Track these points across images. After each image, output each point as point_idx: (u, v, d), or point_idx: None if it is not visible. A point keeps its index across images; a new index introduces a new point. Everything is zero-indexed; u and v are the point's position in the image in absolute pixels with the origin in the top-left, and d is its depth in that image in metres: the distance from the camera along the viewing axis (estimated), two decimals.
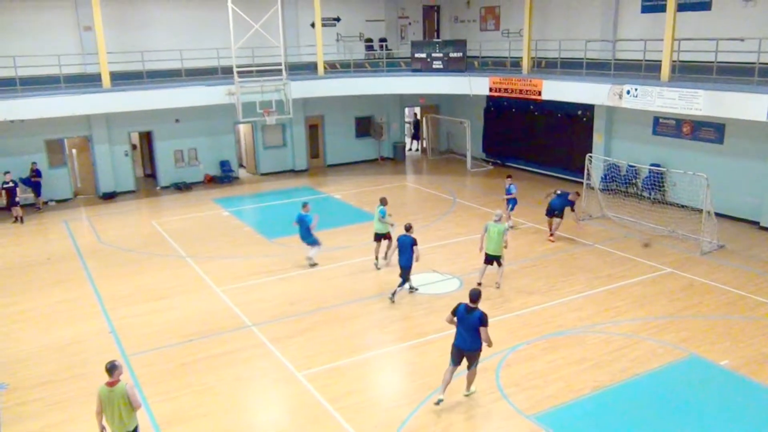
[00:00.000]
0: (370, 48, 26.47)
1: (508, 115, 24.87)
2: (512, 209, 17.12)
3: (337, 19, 25.55)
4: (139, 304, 12.99)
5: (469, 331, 8.92)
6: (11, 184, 18.93)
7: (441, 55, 22.71)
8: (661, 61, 16.98)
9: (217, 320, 12.13)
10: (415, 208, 19.42)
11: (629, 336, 11.14)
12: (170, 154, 22.97)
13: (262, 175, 24.75)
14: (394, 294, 12.78)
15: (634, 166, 19.53)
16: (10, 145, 20.15)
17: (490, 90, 21.71)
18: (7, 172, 19.01)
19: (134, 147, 23.70)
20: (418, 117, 29.35)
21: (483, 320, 8.84)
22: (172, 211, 20.11)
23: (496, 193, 19.83)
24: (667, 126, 19.13)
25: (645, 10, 19.78)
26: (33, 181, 20.19)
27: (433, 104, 27.92)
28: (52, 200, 21.12)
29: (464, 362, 9.17)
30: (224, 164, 23.87)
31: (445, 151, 28.43)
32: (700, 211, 15.58)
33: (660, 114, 18.71)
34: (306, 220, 14.38)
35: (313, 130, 25.82)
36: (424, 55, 22.93)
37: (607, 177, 20.25)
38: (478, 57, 24.55)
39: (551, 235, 16.29)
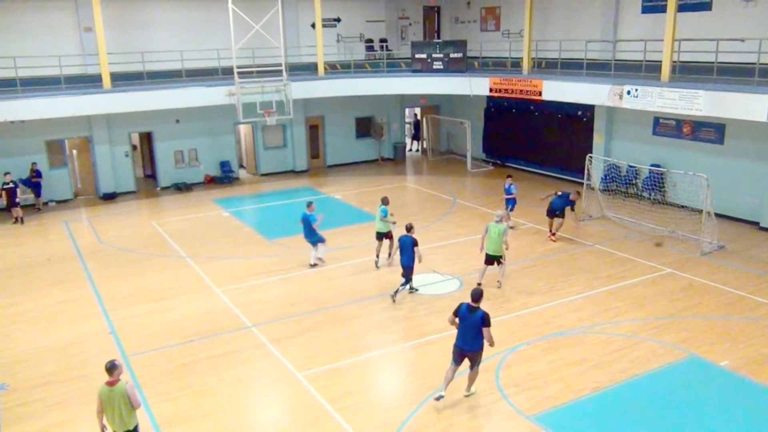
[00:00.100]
0: (370, 48, 26.48)
1: (509, 116, 24.88)
2: (511, 209, 17.14)
3: (338, 20, 25.57)
4: (139, 304, 12.99)
5: (471, 331, 8.94)
6: (11, 185, 18.94)
7: (441, 55, 22.72)
8: (661, 61, 16.98)
9: (218, 321, 12.14)
10: (416, 209, 19.42)
11: (629, 336, 11.14)
12: (170, 155, 22.98)
13: (263, 175, 24.76)
14: (396, 293, 12.81)
15: (634, 167, 19.53)
16: (10, 146, 20.17)
17: (491, 90, 21.72)
18: (7, 173, 19.03)
19: (134, 148, 23.71)
20: (419, 117, 29.35)
21: (485, 320, 8.87)
22: (173, 212, 20.12)
23: (496, 193, 19.82)
24: (667, 126, 19.13)
25: (645, 10, 19.79)
26: (33, 182, 20.20)
27: (433, 105, 27.93)
28: (52, 201, 21.13)
29: (466, 362, 9.19)
30: (224, 165, 23.88)
31: (445, 152, 28.43)
32: (701, 211, 15.58)
33: (660, 114, 18.72)
34: (310, 220, 14.42)
35: (314, 131, 25.83)
36: (424, 56, 22.94)
37: (608, 177, 20.25)
38: (478, 57, 24.57)
39: (553, 234, 16.30)
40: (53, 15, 20.86)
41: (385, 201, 14.67)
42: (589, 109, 21.18)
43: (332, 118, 25.85)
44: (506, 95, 21.56)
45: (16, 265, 15.52)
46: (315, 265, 14.72)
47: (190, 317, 12.33)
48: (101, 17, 19.38)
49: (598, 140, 21.15)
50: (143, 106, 20.29)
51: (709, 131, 17.97)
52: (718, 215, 15.95)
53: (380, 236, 14.61)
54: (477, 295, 8.99)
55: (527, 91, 20.50)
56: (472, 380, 9.34)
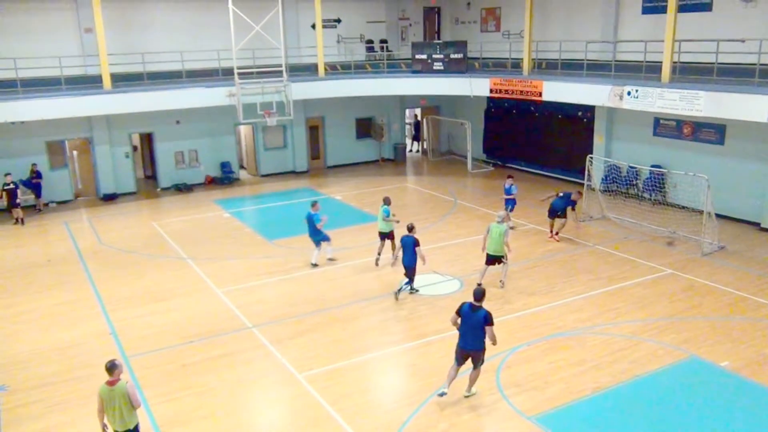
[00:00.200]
0: (370, 49, 26.48)
1: (509, 117, 24.88)
2: (511, 210, 17.14)
3: (338, 21, 25.57)
4: (139, 305, 12.99)
5: (474, 330, 8.98)
6: (12, 186, 18.94)
7: (442, 56, 22.71)
8: (661, 62, 16.97)
9: (218, 322, 12.14)
10: (416, 210, 19.41)
11: (630, 337, 11.13)
12: (171, 156, 22.99)
13: (263, 176, 24.76)
14: (399, 291, 12.86)
15: (634, 168, 19.53)
16: (11, 147, 20.18)
17: (491, 91, 21.72)
18: (7, 174, 19.04)
19: (135, 148, 23.72)
20: (419, 118, 29.35)
21: (488, 319, 8.90)
22: (173, 213, 20.12)
23: (496, 194, 19.80)
24: (667, 127, 19.12)
25: (645, 11, 19.78)
26: (33, 183, 20.21)
27: (433, 105, 27.92)
28: (52, 202, 21.14)
29: (468, 362, 9.22)
30: (225, 165, 23.88)
31: (445, 153, 28.44)
32: (701, 212, 15.57)
33: (660, 115, 18.71)
34: (314, 219, 14.44)
35: (314, 132, 25.83)
36: (424, 57, 22.94)
37: (608, 178, 20.24)
38: (478, 58, 24.58)
39: (556, 233, 16.31)
40: (54, 16, 20.87)
41: (386, 201, 14.71)
42: (590, 109, 21.18)
43: (332, 118, 25.85)
44: (506, 96, 21.55)
45: (17, 266, 15.52)
46: (316, 265, 14.73)
47: (190, 318, 12.33)
48: (101, 18, 19.38)
49: (598, 141, 21.15)
50: (143, 106, 20.29)
51: (709, 132, 17.97)
52: (718, 216, 15.94)
53: (383, 236, 14.64)
54: (479, 295, 9.04)
55: (527, 92, 20.50)
56: (473, 380, 9.34)
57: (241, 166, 25.80)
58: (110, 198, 21.78)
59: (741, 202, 17.37)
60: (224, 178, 23.70)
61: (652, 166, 18.71)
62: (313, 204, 14.82)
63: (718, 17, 17.64)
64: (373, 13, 26.60)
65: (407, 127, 29.66)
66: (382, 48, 26.51)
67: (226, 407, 9.34)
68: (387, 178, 24.14)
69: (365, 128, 26.74)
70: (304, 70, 23.60)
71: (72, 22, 21.11)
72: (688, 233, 16.15)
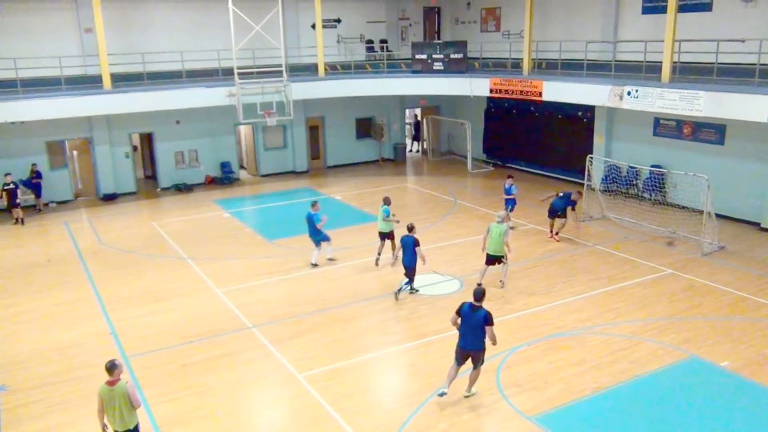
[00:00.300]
0: (370, 49, 26.48)
1: (509, 117, 24.88)
2: (511, 210, 17.15)
3: (338, 21, 25.57)
4: (139, 305, 12.99)
5: (474, 330, 8.99)
6: (12, 186, 18.94)
7: (441, 56, 22.71)
8: (661, 62, 16.97)
9: (218, 322, 12.14)
10: (416, 210, 19.41)
11: (630, 337, 11.13)
12: (171, 156, 22.99)
13: (263, 176, 24.76)
14: (399, 291, 12.88)
15: (634, 168, 19.53)
16: (11, 147, 20.18)
17: (491, 91, 21.72)
18: (7, 174, 19.04)
19: (135, 148, 23.72)
20: (419, 118, 29.35)
21: (488, 319, 8.92)
22: (173, 213, 20.12)
23: (496, 194, 19.80)
24: (667, 127, 19.12)
25: (645, 11, 19.77)
26: (33, 183, 20.21)
27: (433, 105, 27.92)
28: (52, 202, 21.14)
29: (468, 362, 9.23)
30: (225, 165, 23.88)
31: (445, 153, 28.44)
32: (701, 212, 15.57)
33: (661, 115, 18.71)
34: (314, 219, 14.46)
35: (314, 132, 25.83)
36: (424, 57, 22.94)
37: (608, 178, 20.24)
38: (478, 58, 24.57)
39: (556, 233, 16.31)
40: (54, 16, 20.87)
41: (386, 201, 14.72)
42: (590, 109, 21.18)
43: (332, 118, 25.85)
44: (506, 96, 21.55)
45: (17, 266, 15.51)
46: (316, 264, 14.73)
47: (190, 318, 12.33)
48: (101, 18, 19.38)
49: (598, 141, 21.15)
50: (143, 106, 20.29)
51: (709, 132, 17.97)
52: (718, 216, 15.94)
53: (383, 236, 14.66)
54: (480, 294, 9.06)
55: (527, 92, 20.50)
56: (473, 381, 9.35)
57: (241, 166, 25.80)
58: (110, 198, 21.78)
59: (741, 202, 17.37)
60: (224, 178, 23.70)
61: (652, 166, 18.71)
62: (313, 204, 14.83)
63: (718, 17, 17.64)
64: (373, 13, 26.60)
65: (407, 127, 29.66)
66: (382, 48, 26.51)
67: (226, 407, 9.35)
68: (387, 178, 24.14)
69: (365, 128, 26.74)
70: (304, 70, 23.60)
71: (72, 22, 21.11)
72: (688, 233, 16.15)
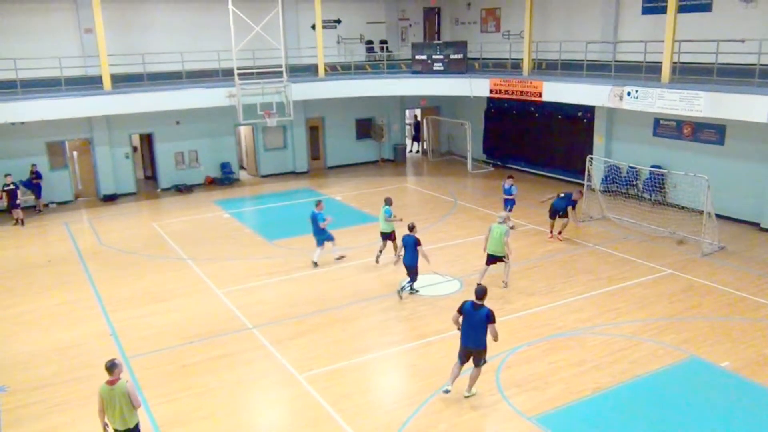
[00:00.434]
0: (370, 50, 26.49)
1: (509, 117, 24.88)
2: (510, 210, 17.15)
3: (338, 21, 25.58)
4: (139, 306, 12.99)
5: (476, 328, 9.03)
6: (12, 187, 18.94)
7: (441, 56, 22.72)
8: (661, 62, 16.97)
9: (218, 322, 12.14)
10: (416, 210, 19.40)
11: (630, 337, 11.13)
12: (171, 156, 22.99)
13: (263, 177, 24.77)
14: (402, 289, 12.91)
15: (634, 168, 19.53)
16: (11, 148, 20.18)
17: (491, 92, 21.72)
18: (7, 175, 19.04)
19: (135, 149, 23.72)
20: (419, 119, 29.36)
21: (490, 317, 8.98)
22: (173, 213, 20.12)
23: (496, 194, 19.79)
24: (667, 127, 19.13)
25: (645, 11, 19.78)
26: (33, 183, 20.21)
27: (433, 106, 27.93)
28: (52, 202, 21.14)
29: (470, 361, 9.28)
30: (225, 166, 23.89)
31: (445, 153, 28.44)
32: (701, 212, 15.57)
33: (660, 115, 18.71)
34: (317, 218, 14.50)
35: (314, 132, 25.84)
36: (424, 57, 22.94)
37: (608, 178, 20.24)
38: (478, 59, 24.58)
39: (558, 233, 16.32)
40: (54, 16, 20.88)
41: (388, 201, 14.74)
42: (590, 110, 21.18)
43: (332, 119, 25.86)
44: (506, 96, 21.56)
45: (17, 267, 15.51)
46: (317, 264, 14.76)
47: (190, 319, 12.33)
48: (101, 19, 19.39)
49: (598, 141, 21.15)
50: (144, 107, 20.30)
51: (709, 132, 17.97)
52: (718, 216, 15.94)
53: (384, 237, 14.68)
54: (481, 293, 9.12)
55: (527, 92, 20.50)
56: (473, 380, 9.36)
57: (241, 167, 25.80)
58: (110, 199, 21.78)
59: (741, 203, 17.37)
60: (224, 179, 23.71)
61: (652, 167, 18.71)
62: (317, 203, 14.90)
63: (718, 17, 17.65)
64: (373, 14, 26.60)
65: (407, 127, 29.67)
66: (382, 48, 26.51)
67: (226, 408, 9.35)
68: (387, 179, 24.15)
69: (365, 129, 26.75)
70: (304, 71, 23.60)
71: (72, 22, 21.12)
72: (688, 233, 16.14)
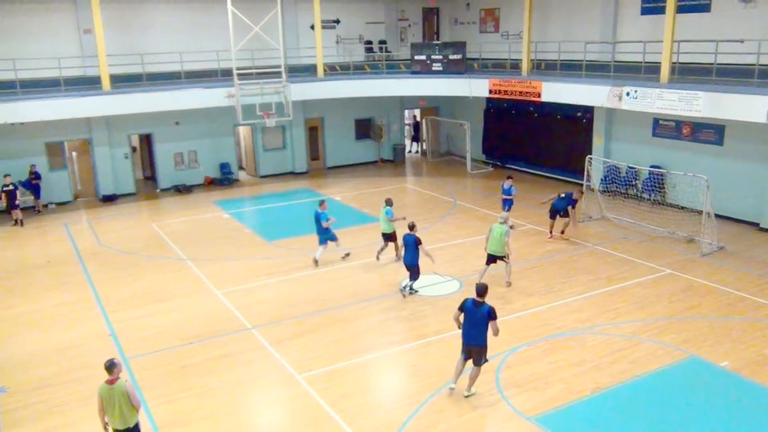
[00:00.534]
0: (369, 50, 26.49)
1: (508, 117, 24.89)
2: (508, 210, 17.17)
3: (337, 22, 25.58)
4: (139, 306, 12.98)
5: (477, 326, 9.09)
6: (11, 187, 18.92)
7: (440, 57, 22.72)
8: (660, 62, 16.99)
9: (217, 323, 12.13)
10: (416, 210, 19.38)
11: (629, 337, 11.14)
12: (170, 157, 22.98)
13: (262, 177, 24.76)
14: (404, 288, 12.95)
15: (633, 168, 19.54)
16: (10, 148, 20.16)
17: (490, 92, 21.73)
18: (6, 175, 19.02)
19: (134, 149, 23.70)
20: (418, 119, 29.36)
21: (492, 314, 9.04)
22: (172, 214, 20.11)
23: (496, 195, 19.77)
24: (666, 128, 19.14)
25: (644, 11, 19.79)
26: (33, 184, 20.18)
27: (432, 106, 27.94)
28: (52, 203, 21.12)
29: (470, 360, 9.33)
30: (224, 166, 23.88)
31: (444, 153, 28.44)
32: (700, 212, 15.58)
33: (660, 116, 18.72)
34: (321, 218, 14.56)
35: (313, 132, 25.83)
36: (423, 57, 22.95)
37: (607, 179, 20.26)
38: (477, 59, 24.58)
39: (561, 232, 16.33)
40: (53, 17, 20.86)
41: (389, 202, 14.75)
42: (589, 110, 21.19)
43: (332, 119, 25.86)
44: (505, 96, 21.57)
45: (16, 268, 15.50)
46: (317, 261, 14.79)
47: (189, 319, 12.32)
48: (101, 19, 19.38)
49: (597, 142, 21.16)
50: (143, 107, 20.29)
51: (708, 132, 17.98)
52: (717, 216, 15.95)
53: (386, 237, 14.69)
54: (482, 290, 9.18)
55: (526, 93, 20.51)
56: (473, 380, 9.38)
57: (241, 167, 25.79)
58: (110, 199, 21.77)
59: (740, 203, 17.38)
60: (223, 179, 23.70)
61: (651, 167, 18.73)
62: (321, 203, 14.97)
63: (717, 18, 17.66)
64: (372, 14, 26.60)
65: (406, 127, 29.67)
66: (381, 49, 26.52)
67: (225, 408, 9.34)
68: (386, 179, 24.15)
69: (364, 129, 26.75)
70: (303, 71, 23.60)
71: (71, 23, 21.10)
72: (687, 233, 16.15)
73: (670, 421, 8.83)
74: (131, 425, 7.55)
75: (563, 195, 16.42)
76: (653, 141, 19.58)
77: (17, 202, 19.04)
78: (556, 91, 19.66)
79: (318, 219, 14.70)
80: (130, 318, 12.44)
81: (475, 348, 9.20)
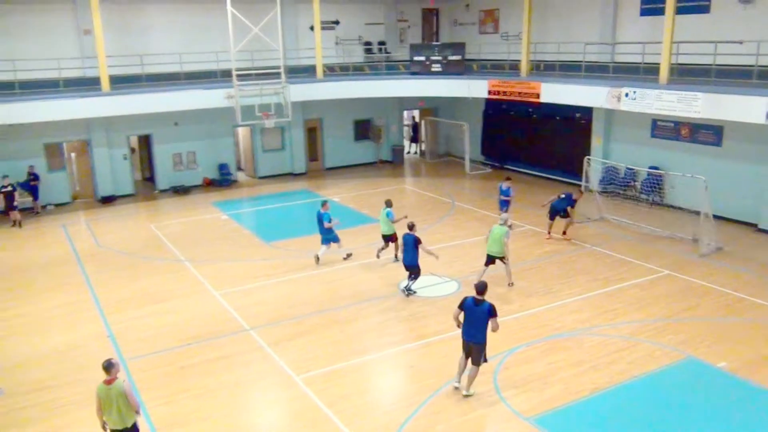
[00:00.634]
0: (369, 51, 26.50)
1: (507, 118, 24.90)
2: (505, 211, 17.17)
3: (336, 23, 25.58)
4: (137, 308, 12.97)
5: (477, 323, 9.14)
6: (9, 189, 18.92)
7: (440, 58, 22.74)
8: (659, 63, 17.01)
9: (216, 324, 12.12)
10: (414, 211, 19.31)
11: (627, 338, 11.14)
12: (169, 158, 22.98)
13: (261, 178, 24.76)
14: (405, 288, 12.98)
15: (632, 169, 19.55)
16: (8, 149, 20.15)
17: (489, 93, 21.75)
18: (5, 176, 19.02)
19: (133, 150, 23.70)
20: (417, 120, 29.36)
21: (492, 311, 9.09)
22: (171, 215, 20.10)
23: (494, 195, 19.77)
24: (665, 129, 19.15)
25: (644, 13, 19.80)
26: (31, 185, 20.17)
27: (431, 107, 27.95)
28: (50, 204, 21.10)
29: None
30: (223, 167, 23.87)
31: (443, 154, 28.44)
32: (699, 213, 15.58)
33: (658, 117, 18.73)
34: (323, 218, 14.62)
35: (312, 133, 25.84)
36: (423, 58, 22.97)
37: (606, 179, 20.27)
38: (477, 60, 24.59)
39: (563, 232, 16.34)
40: (52, 18, 20.84)
41: (388, 203, 14.76)
42: (588, 111, 21.20)
43: (331, 120, 25.86)
44: (504, 98, 21.59)
45: (14, 269, 15.48)
46: (318, 259, 14.87)
47: (188, 320, 12.31)
48: (100, 20, 19.39)
49: (596, 142, 21.17)
50: (142, 108, 20.29)
51: (707, 133, 17.99)
52: (715, 217, 15.95)
53: (386, 239, 14.70)
54: (482, 288, 9.23)
55: (525, 94, 20.52)
56: (471, 380, 9.40)
57: (239, 168, 25.78)
58: (108, 200, 21.76)
59: (738, 203, 17.39)
60: (222, 180, 23.69)
61: (650, 168, 18.74)
62: (323, 203, 15.02)
63: (716, 19, 17.66)
64: (371, 15, 26.61)
65: (405, 128, 29.68)
66: (380, 50, 26.52)
67: (224, 409, 9.34)
68: (385, 180, 24.15)
69: (363, 130, 26.75)
70: (302, 72, 23.61)
71: (70, 24, 21.09)
72: (685, 234, 16.15)
73: (667, 421, 8.83)
74: (129, 425, 7.55)
75: (563, 196, 16.43)
76: (652, 142, 19.59)
77: (15, 203, 19.03)
78: (555, 92, 19.67)
79: (320, 219, 14.72)
80: (129, 319, 12.43)
81: (474, 345, 9.22)
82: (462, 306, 9.25)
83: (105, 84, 19.75)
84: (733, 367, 10.12)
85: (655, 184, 19.15)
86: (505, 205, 17.30)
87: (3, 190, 18.90)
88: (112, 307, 13.02)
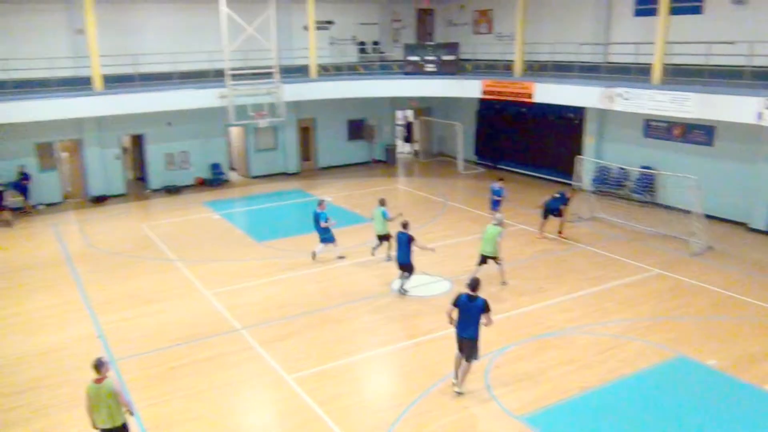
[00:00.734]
0: (363, 51, 26.48)
1: (500, 118, 24.93)
2: (497, 210, 17.20)
3: (330, 23, 25.56)
4: (127, 308, 12.91)
5: (471, 320, 9.19)
6: (0, 188, 18.80)
7: (434, 58, 22.75)
8: (652, 64, 17.06)
9: (207, 324, 12.08)
10: (407, 211, 19.17)
11: (617, 337, 11.16)
12: (161, 157, 22.89)
13: (254, 178, 24.71)
14: (400, 288, 12.96)
15: (624, 169, 19.60)
16: (0, 149, 20.03)
17: (483, 93, 21.77)
18: None
19: (125, 150, 23.60)
20: (410, 120, 29.36)
21: (486, 306, 9.15)
22: (163, 215, 20.03)
23: (487, 195, 19.82)
24: (657, 129, 19.21)
25: (637, 13, 19.84)
26: (22, 185, 20.06)
27: (425, 107, 27.95)
28: (41, 204, 20.98)
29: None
30: (215, 167, 23.81)
31: (436, 154, 28.46)
32: (690, 212, 15.64)
33: (651, 117, 18.79)
34: (319, 217, 14.61)
35: (305, 133, 25.80)
36: (416, 58, 22.98)
37: (598, 179, 20.32)
38: (470, 60, 24.61)
39: (559, 232, 16.37)
40: (45, 17, 20.72)
41: (382, 203, 14.75)
42: (581, 111, 21.26)
43: (324, 120, 25.84)
44: (498, 97, 21.63)
45: (4, 269, 15.38)
46: (315, 255, 14.91)
47: (179, 320, 12.27)
48: (93, 19, 19.30)
49: (589, 142, 21.22)
50: (135, 108, 20.22)
51: (698, 133, 18.06)
52: (707, 216, 16.01)
53: (381, 238, 14.70)
54: (475, 284, 9.29)
55: (519, 94, 20.55)
56: (463, 375, 9.42)
57: (232, 168, 25.71)
58: (99, 200, 21.66)
59: (729, 203, 17.46)
60: (214, 180, 23.63)
61: (642, 167, 18.80)
62: (320, 203, 15.06)
63: (709, 19, 17.72)
64: (365, 15, 26.59)
65: (398, 128, 29.68)
66: (374, 50, 26.51)
67: (214, 409, 9.30)
68: (378, 180, 24.14)
69: (357, 130, 26.73)
70: (296, 72, 23.55)
71: (63, 23, 20.96)
72: (677, 233, 16.21)
73: (657, 419, 8.86)
74: (118, 424, 7.53)
75: (557, 195, 16.47)
76: (644, 142, 19.66)
77: (5, 203, 18.91)
78: (548, 92, 19.72)
79: (317, 219, 14.71)
80: (119, 319, 12.37)
81: (467, 341, 9.24)
82: (456, 303, 9.28)
83: (98, 83, 19.68)
84: (723, 365, 10.16)
85: (647, 183, 19.21)
86: (496, 205, 17.34)
87: None
88: (103, 307, 12.96)
